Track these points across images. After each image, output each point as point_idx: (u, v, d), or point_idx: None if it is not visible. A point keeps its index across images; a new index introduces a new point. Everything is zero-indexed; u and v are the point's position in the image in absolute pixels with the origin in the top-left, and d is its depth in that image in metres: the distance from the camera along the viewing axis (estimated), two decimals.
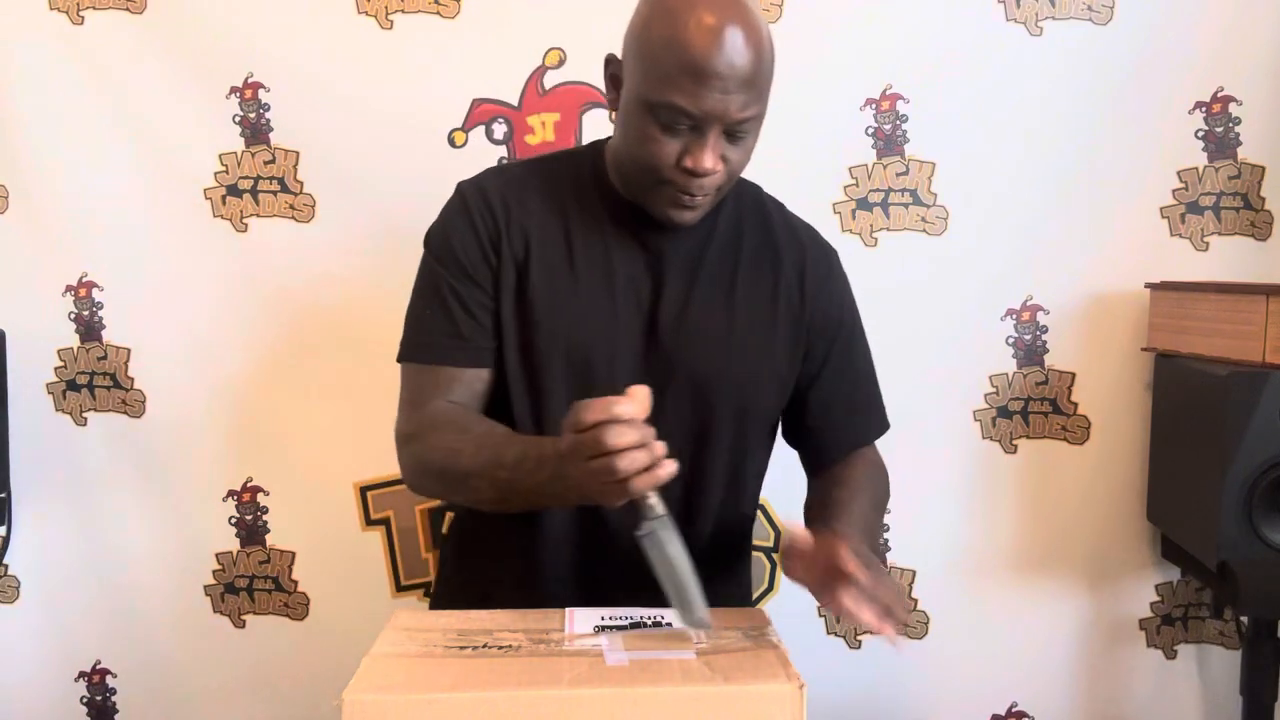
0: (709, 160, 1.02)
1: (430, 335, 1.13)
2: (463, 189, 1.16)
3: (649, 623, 0.94)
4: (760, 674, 0.81)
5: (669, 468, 0.88)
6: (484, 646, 0.86)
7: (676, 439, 1.10)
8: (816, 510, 1.17)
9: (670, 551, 0.90)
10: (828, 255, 1.24)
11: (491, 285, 1.12)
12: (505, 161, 1.64)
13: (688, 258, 1.14)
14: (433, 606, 1.29)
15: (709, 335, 1.13)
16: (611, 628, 0.92)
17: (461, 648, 0.86)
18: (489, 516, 1.13)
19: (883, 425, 1.28)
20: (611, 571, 1.11)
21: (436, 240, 1.15)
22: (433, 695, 0.77)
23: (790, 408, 1.22)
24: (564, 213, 1.14)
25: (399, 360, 1.16)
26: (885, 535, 1.74)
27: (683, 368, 1.12)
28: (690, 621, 0.90)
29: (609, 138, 1.19)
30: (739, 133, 1.03)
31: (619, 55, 1.09)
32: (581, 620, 0.94)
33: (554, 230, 1.13)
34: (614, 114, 1.12)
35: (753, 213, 1.21)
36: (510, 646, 0.86)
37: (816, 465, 1.26)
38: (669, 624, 0.94)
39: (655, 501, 0.90)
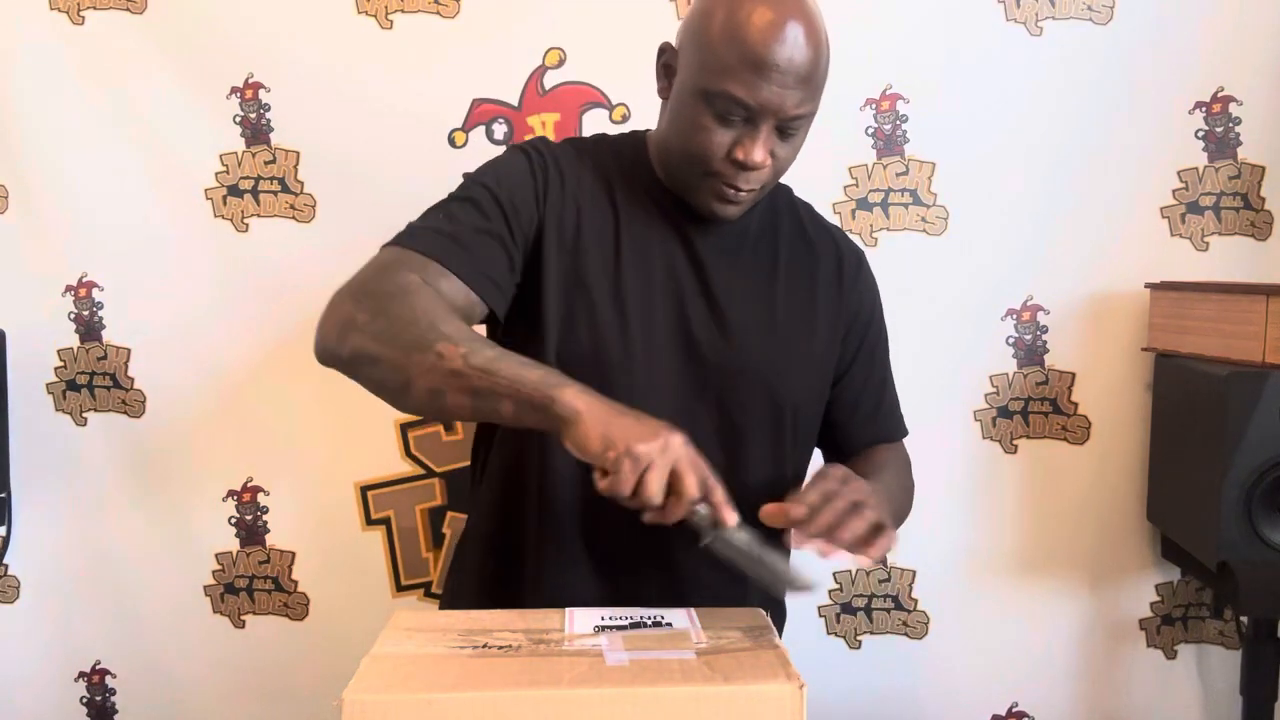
0: (759, 153, 1.02)
1: (425, 229, 1.04)
2: (522, 144, 1.14)
3: (649, 623, 0.94)
4: (760, 674, 0.81)
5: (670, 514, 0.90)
6: (484, 646, 0.86)
7: (714, 432, 1.11)
8: None
9: (738, 545, 0.93)
10: (859, 255, 1.26)
11: (526, 234, 1.07)
12: None
13: (728, 250, 1.14)
14: (444, 605, 1.28)
15: (749, 327, 1.13)
16: (611, 628, 0.92)
17: (461, 647, 0.86)
18: (509, 512, 1.12)
19: (903, 428, 1.31)
20: (636, 561, 1.12)
21: (480, 168, 1.12)
22: (433, 695, 0.77)
23: None
24: (611, 195, 1.13)
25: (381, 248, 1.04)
26: None
27: (722, 359, 1.12)
28: (793, 591, 0.93)
29: (647, 129, 1.19)
30: (790, 129, 1.04)
31: (674, 44, 1.09)
32: (581, 620, 0.94)
33: (603, 209, 1.12)
34: (663, 103, 1.12)
35: (786, 211, 1.22)
36: (510, 646, 0.86)
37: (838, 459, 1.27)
38: (669, 624, 0.94)
39: (705, 512, 0.92)
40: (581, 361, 1.07)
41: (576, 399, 0.90)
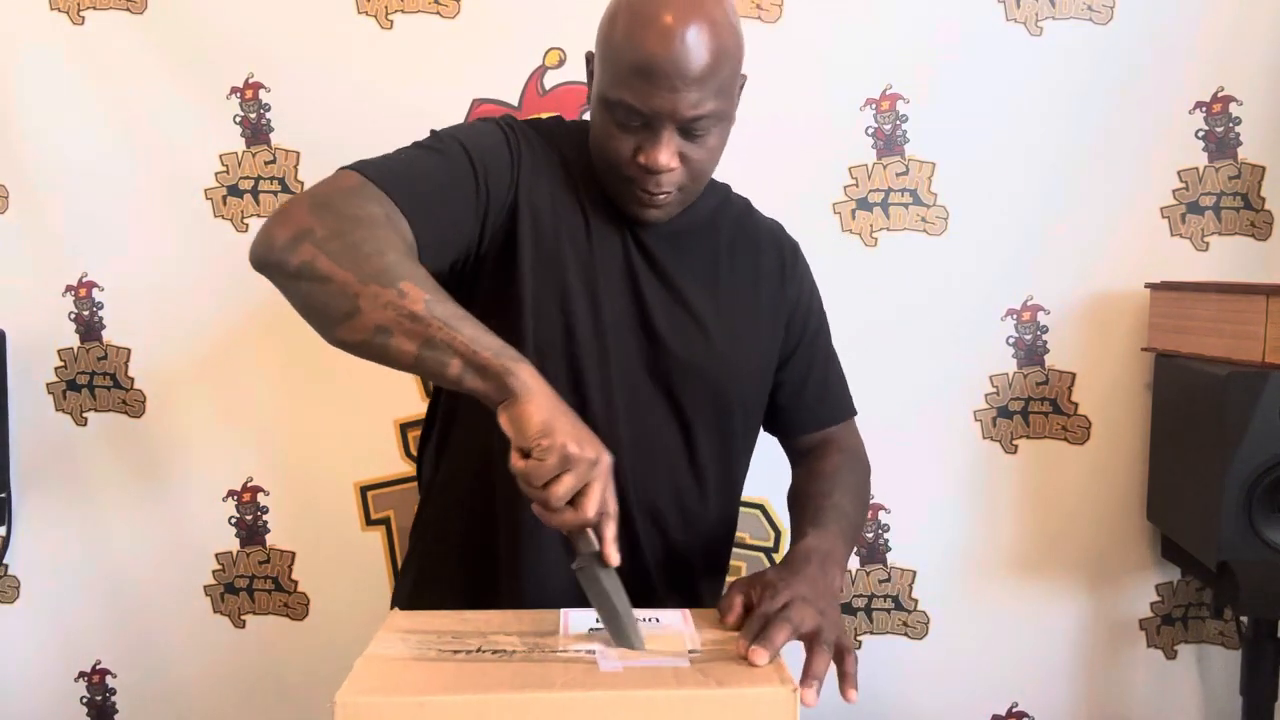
0: (662, 157, 1.02)
1: (391, 169, 1.00)
2: (491, 118, 1.13)
3: (643, 623, 0.93)
4: (754, 678, 0.81)
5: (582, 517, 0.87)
6: (478, 650, 0.85)
7: (668, 421, 1.13)
8: (797, 503, 1.18)
9: (602, 584, 0.90)
10: (796, 247, 1.27)
11: (497, 205, 1.06)
12: None
13: (673, 245, 1.15)
14: (405, 601, 1.26)
15: (701, 321, 1.13)
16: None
17: (455, 651, 0.85)
18: (480, 511, 1.13)
19: (851, 408, 1.30)
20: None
21: (451, 127, 1.10)
22: (426, 698, 0.77)
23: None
24: (573, 180, 1.13)
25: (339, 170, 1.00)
26: (885, 535, 1.74)
27: (678, 350, 1.12)
28: (624, 645, 0.89)
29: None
30: (695, 130, 1.03)
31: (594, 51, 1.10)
32: (576, 621, 0.94)
33: (571, 193, 1.12)
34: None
35: (724, 208, 1.22)
36: (504, 651, 0.86)
37: (791, 446, 1.28)
38: (663, 625, 0.93)
39: (592, 539, 0.90)
40: (554, 339, 1.08)
41: (533, 378, 0.88)
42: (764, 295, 1.19)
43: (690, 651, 0.87)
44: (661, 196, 1.06)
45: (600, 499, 0.87)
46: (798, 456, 1.28)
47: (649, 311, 1.12)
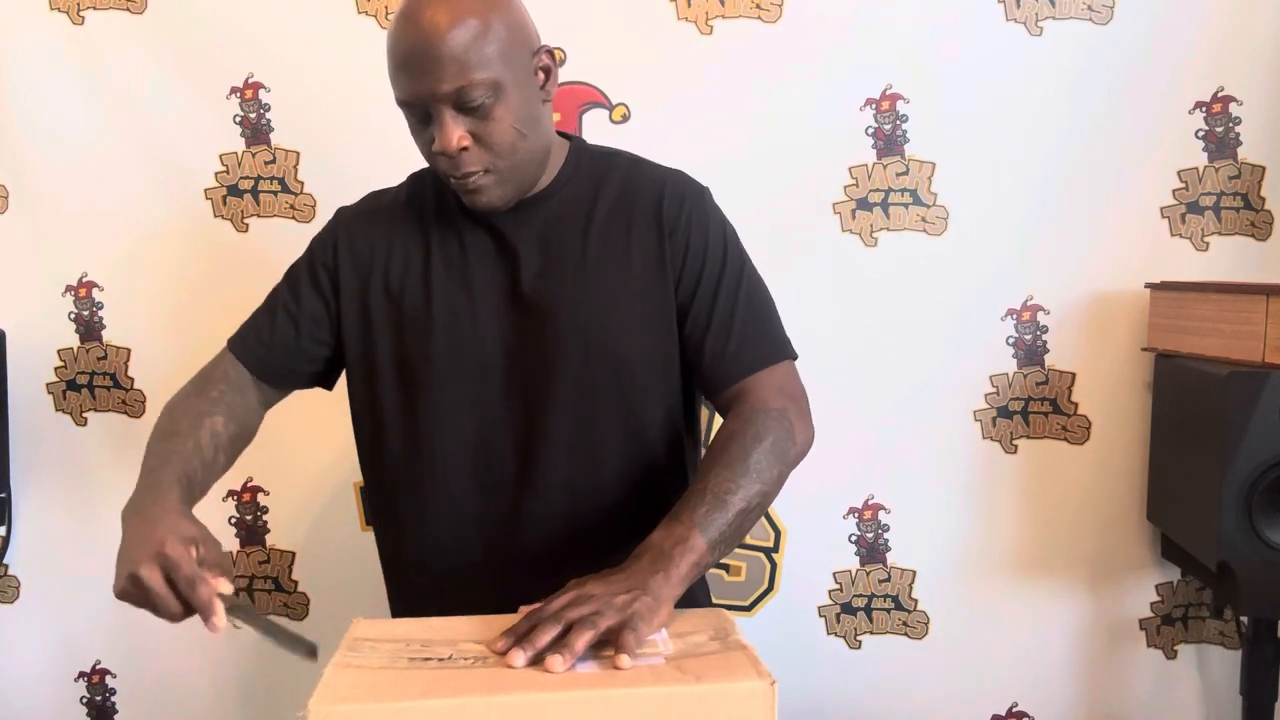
0: (446, 139, 1.04)
1: (245, 331, 1.26)
2: (337, 215, 1.23)
3: None
4: (732, 674, 0.80)
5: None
6: (450, 658, 0.84)
7: (563, 409, 1.13)
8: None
9: (256, 618, 0.94)
10: (685, 193, 1.18)
11: (318, 319, 1.21)
12: None
13: (536, 230, 1.15)
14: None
15: (569, 300, 1.13)
16: None
17: (426, 658, 0.84)
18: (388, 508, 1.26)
19: (768, 356, 1.16)
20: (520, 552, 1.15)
21: (295, 263, 1.24)
22: (401, 703, 0.75)
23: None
24: (424, 221, 1.18)
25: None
26: (885, 535, 1.74)
27: (551, 338, 1.12)
28: (304, 652, 0.91)
29: None
30: (469, 104, 1.04)
31: None
32: None
33: (414, 239, 1.17)
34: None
35: (605, 174, 1.19)
36: (476, 657, 0.84)
37: (717, 409, 1.19)
38: None
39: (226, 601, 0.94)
40: (415, 379, 1.15)
41: (127, 510, 1.02)
42: (637, 252, 1.15)
43: (663, 651, 0.86)
44: (472, 180, 1.08)
45: (156, 570, 0.97)
46: (720, 411, 1.18)
47: (527, 307, 1.13)
